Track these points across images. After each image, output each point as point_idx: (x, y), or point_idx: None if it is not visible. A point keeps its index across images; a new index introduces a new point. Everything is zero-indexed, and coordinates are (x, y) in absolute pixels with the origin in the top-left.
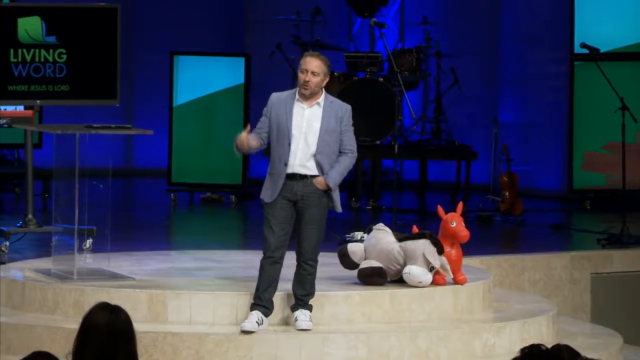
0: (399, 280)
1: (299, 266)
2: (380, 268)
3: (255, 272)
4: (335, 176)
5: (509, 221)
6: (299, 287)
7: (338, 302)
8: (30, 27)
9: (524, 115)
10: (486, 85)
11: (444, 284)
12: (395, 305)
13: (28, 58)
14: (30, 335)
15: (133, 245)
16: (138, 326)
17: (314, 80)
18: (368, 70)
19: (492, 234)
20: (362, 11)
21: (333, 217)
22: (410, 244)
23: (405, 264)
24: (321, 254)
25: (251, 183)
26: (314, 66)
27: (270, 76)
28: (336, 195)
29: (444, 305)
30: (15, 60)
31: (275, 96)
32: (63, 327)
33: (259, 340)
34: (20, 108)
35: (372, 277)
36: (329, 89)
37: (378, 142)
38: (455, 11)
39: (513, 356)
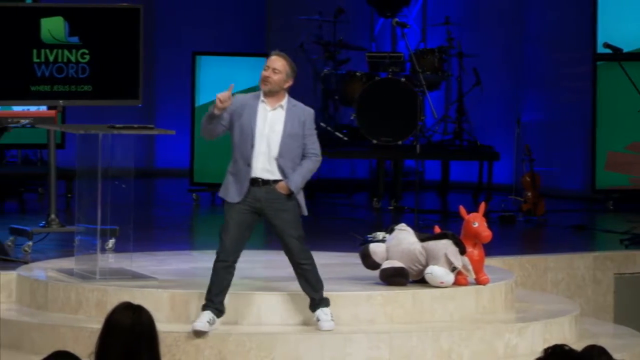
0: (421, 281)
1: (296, 269)
2: (402, 268)
3: (280, 273)
4: (298, 180)
5: (531, 221)
6: (307, 286)
7: (360, 302)
8: (53, 27)
9: (546, 115)
10: (509, 86)
11: (466, 284)
12: (417, 306)
13: (51, 58)
14: (53, 335)
15: (155, 245)
16: (160, 326)
17: (274, 78)
18: (390, 70)
19: (515, 234)
20: (384, 11)
21: (355, 218)
22: (432, 244)
23: (427, 264)
24: (343, 254)
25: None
26: (277, 64)
27: None
28: (301, 198)
29: (466, 306)
30: (38, 60)
31: (239, 96)
32: (86, 327)
33: (281, 341)
34: (43, 108)
35: (394, 278)
36: (351, 88)
37: (400, 142)
38: (478, 11)
39: (535, 357)
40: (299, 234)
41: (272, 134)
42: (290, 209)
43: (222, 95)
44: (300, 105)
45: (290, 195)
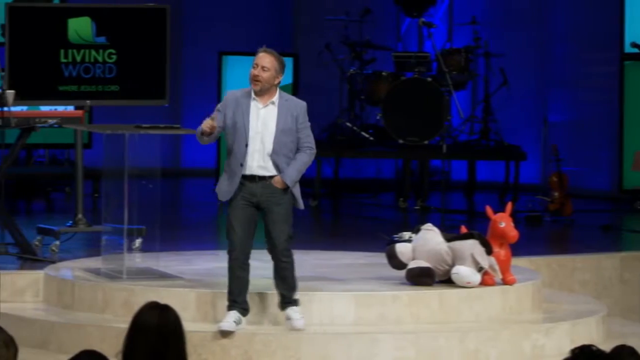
0: (447, 281)
1: (275, 265)
2: (428, 268)
3: (305, 272)
4: (293, 174)
5: (558, 221)
6: (281, 284)
7: (386, 302)
8: (80, 27)
9: (573, 115)
10: (535, 85)
11: (493, 284)
12: (444, 306)
13: (78, 58)
14: (80, 335)
15: (182, 244)
16: (187, 326)
17: (264, 76)
18: (416, 70)
19: (542, 235)
20: (410, 11)
21: (382, 218)
22: (458, 244)
23: (453, 264)
24: (370, 254)
25: (300, 183)
26: (265, 62)
27: (319, 76)
28: (297, 192)
29: (493, 306)
30: (65, 60)
31: (231, 94)
32: (112, 326)
33: (307, 340)
34: (71, 108)
35: (421, 278)
36: (377, 88)
37: (426, 142)
38: (505, 11)
39: (563, 357)
40: (289, 230)
41: (266, 131)
42: (284, 203)
43: (207, 125)
44: (293, 99)
45: (286, 189)
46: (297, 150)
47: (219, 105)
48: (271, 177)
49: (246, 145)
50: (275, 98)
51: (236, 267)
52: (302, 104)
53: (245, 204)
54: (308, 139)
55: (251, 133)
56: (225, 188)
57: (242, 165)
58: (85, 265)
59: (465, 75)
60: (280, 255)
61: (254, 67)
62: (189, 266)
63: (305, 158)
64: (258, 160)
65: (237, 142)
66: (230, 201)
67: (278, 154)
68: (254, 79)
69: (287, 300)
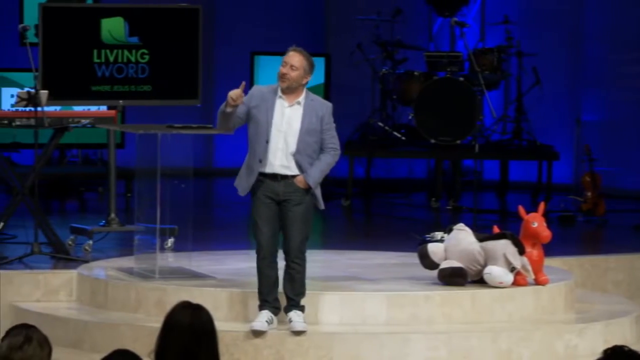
0: (480, 281)
1: (287, 265)
2: (460, 268)
3: (337, 272)
4: (316, 174)
5: (591, 222)
6: (290, 287)
7: (418, 302)
8: (113, 28)
9: (606, 115)
10: (568, 85)
11: (525, 284)
12: (476, 306)
13: (111, 59)
14: (113, 334)
15: (214, 244)
16: (219, 325)
17: (292, 74)
18: (448, 69)
19: (574, 235)
20: (442, 10)
21: (414, 218)
22: (491, 244)
23: (485, 265)
24: (401, 254)
25: (332, 183)
26: (294, 61)
27: (351, 76)
28: (318, 192)
29: (526, 306)
30: (98, 60)
31: (256, 90)
32: (145, 325)
33: (339, 340)
34: (103, 108)
35: (453, 278)
36: (410, 88)
37: (458, 141)
38: (537, 10)
39: (596, 357)
40: (306, 232)
41: (290, 131)
42: (305, 204)
43: (234, 93)
44: (319, 99)
45: (309, 190)
46: (321, 150)
47: (244, 97)
48: (293, 176)
49: (266, 142)
50: (302, 98)
51: (264, 266)
52: (327, 105)
53: (269, 202)
54: (332, 140)
55: (273, 131)
56: (244, 183)
57: (260, 161)
58: (118, 264)
59: (498, 75)
60: (294, 257)
61: (283, 65)
62: (221, 266)
63: (329, 159)
64: (281, 159)
65: (258, 137)
66: (253, 199)
67: (301, 153)
68: (282, 77)
69: (293, 304)
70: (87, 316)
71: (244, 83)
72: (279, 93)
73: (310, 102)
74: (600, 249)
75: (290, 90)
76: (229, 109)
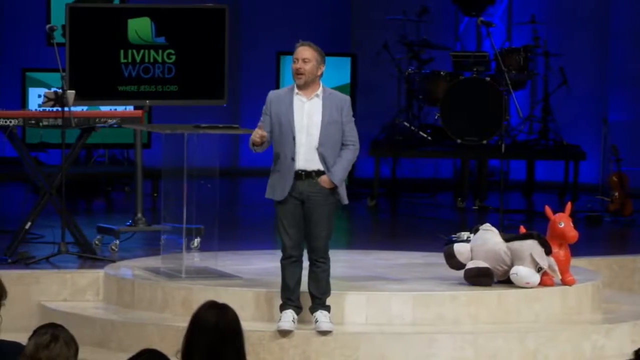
0: (506, 281)
1: (311, 265)
2: (487, 268)
3: (363, 272)
4: (340, 173)
5: (618, 222)
6: (315, 287)
7: (444, 302)
8: (140, 28)
9: (633, 114)
10: (595, 85)
11: (552, 284)
12: (503, 306)
13: (138, 59)
14: (140, 333)
15: (240, 244)
16: (245, 325)
17: (307, 67)
18: (475, 69)
19: (601, 235)
20: (469, 10)
21: (439, 218)
22: (517, 245)
23: (512, 265)
24: (427, 254)
25: (357, 183)
26: (305, 54)
27: (377, 76)
28: (342, 189)
29: (552, 306)
30: (125, 60)
31: (273, 94)
32: (172, 325)
33: (365, 340)
34: (130, 108)
35: (479, 278)
36: (436, 88)
37: (485, 141)
38: (564, 10)
39: (624, 359)
40: (329, 232)
41: (311, 124)
42: (329, 204)
43: (257, 135)
44: (336, 92)
45: (333, 189)
46: (341, 144)
47: (264, 108)
48: (316, 172)
49: (293, 138)
50: (320, 91)
51: (288, 265)
52: (346, 98)
53: (295, 202)
54: (352, 133)
55: (297, 127)
56: (279, 189)
57: (293, 159)
58: (144, 264)
59: (524, 75)
60: (319, 256)
61: (294, 62)
62: (247, 266)
63: (350, 155)
64: (305, 153)
65: (284, 137)
66: (280, 200)
67: (325, 146)
68: (297, 72)
69: (318, 303)
70: (114, 316)
71: (262, 122)
72: (296, 90)
73: (329, 95)
74: (628, 249)
75: (306, 85)
76: (258, 150)
